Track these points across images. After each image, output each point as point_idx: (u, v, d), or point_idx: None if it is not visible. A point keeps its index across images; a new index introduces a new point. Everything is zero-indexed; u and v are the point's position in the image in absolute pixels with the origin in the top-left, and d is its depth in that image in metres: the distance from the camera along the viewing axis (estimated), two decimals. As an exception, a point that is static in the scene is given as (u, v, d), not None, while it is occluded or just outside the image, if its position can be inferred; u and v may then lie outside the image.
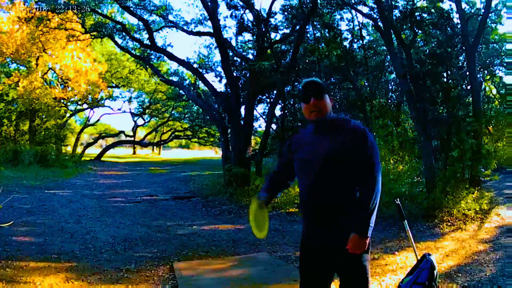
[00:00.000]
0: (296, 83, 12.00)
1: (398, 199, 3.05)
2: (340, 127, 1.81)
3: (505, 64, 14.02)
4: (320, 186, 1.76)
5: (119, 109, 28.51)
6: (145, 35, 11.99)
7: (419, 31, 9.84)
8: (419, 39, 10.99)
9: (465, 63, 9.74)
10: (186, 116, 26.38)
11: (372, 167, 1.74)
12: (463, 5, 9.70)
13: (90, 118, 25.70)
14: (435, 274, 2.47)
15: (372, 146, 1.75)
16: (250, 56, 12.00)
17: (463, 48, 8.99)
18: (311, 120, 1.86)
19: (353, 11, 11.03)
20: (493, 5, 10.97)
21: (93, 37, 11.90)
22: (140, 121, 29.89)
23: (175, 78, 17.95)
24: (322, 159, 1.76)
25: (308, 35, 11.65)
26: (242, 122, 9.79)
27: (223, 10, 22.07)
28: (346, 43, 11.56)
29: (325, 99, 1.84)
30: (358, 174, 1.74)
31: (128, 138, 30.46)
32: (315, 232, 1.82)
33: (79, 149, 23.42)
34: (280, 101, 10.40)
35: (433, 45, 10.63)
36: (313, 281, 1.85)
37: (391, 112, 10.44)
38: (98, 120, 27.48)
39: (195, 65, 13.49)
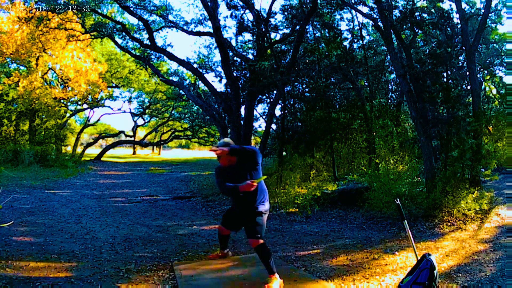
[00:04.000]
0: (296, 83, 11.99)
1: (398, 199, 3.06)
2: None
3: (505, 64, 14.00)
4: None
5: (119, 109, 28.58)
6: (145, 35, 12.01)
7: (419, 31, 9.84)
8: (419, 39, 10.98)
9: (465, 63, 9.73)
10: (186, 116, 26.41)
11: None
12: (463, 5, 9.69)
13: (90, 118, 25.70)
14: (435, 274, 2.47)
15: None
16: (250, 56, 12.00)
17: (463, 48, 8.97)
18: None
19: (353, 11, 11.02)
20: (493, 5, 10.97)
21: (93, 37, 11.92)
22: (140, 121, 29.95)
23: (175, 78, 18.00)
24: None
25: (308, 35, 11.64)
26: (242, 122, 9.79)
27: (223, 10, 22.17)
28: (346, 43, 11.55)
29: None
30: None
31: (128, 138, 30.45)
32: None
33: (79, 149, 23.39)
34: (280, 101, 10.38)
35: (433, 45, 10.61)
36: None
37: (391, 112, 10.45)
38: (98, 120, 27.48)
39: (195, 65, 13.51)
